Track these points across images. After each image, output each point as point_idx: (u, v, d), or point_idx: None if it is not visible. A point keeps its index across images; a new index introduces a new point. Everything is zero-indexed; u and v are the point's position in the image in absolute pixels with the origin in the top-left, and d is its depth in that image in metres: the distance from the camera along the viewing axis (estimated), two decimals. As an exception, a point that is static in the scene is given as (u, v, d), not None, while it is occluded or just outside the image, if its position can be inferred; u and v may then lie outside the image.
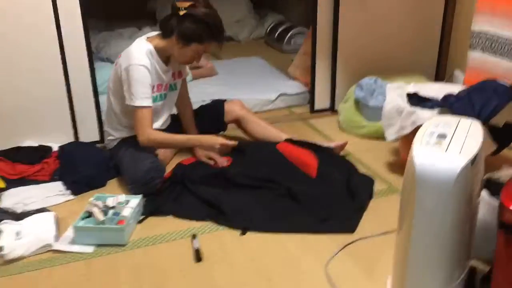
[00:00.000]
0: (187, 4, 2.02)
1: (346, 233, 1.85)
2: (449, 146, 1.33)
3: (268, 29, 4.66)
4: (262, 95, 3.06)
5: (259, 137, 2.46)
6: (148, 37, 2.16)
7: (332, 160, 2.30)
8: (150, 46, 2.10)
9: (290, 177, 2.13)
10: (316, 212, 1.94)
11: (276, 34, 4.46)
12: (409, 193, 1.36)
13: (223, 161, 2.26)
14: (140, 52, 2.07)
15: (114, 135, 2.26)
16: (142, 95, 2.05)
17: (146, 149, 2.14)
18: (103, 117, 2.44)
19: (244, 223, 1.89)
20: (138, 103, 2.05)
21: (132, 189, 2.08)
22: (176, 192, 2.08)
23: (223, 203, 1.97)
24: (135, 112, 2.07)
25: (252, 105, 2.99)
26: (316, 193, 2.03)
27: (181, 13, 2.02)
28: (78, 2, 2.35)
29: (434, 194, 1.29)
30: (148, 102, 2.07)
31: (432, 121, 1.49)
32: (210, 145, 2.17)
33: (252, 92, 3.10)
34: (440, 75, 3.10)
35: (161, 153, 2.22)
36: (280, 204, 2.00)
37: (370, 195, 2.09)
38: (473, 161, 1.29)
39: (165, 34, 2.11)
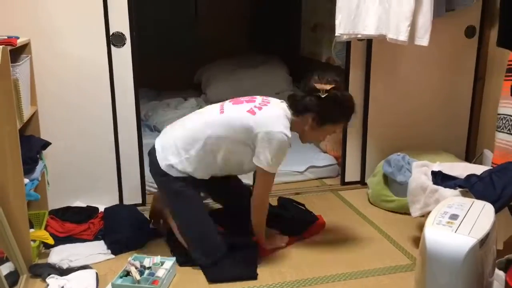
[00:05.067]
0: (329, 86, 2.12)
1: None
2: (459, 226, 1.42)
3: (306, 102, 4.88)
4: (291, 167, 3.20)
5: None
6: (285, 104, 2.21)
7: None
8: (289, 123, 2.13)
9: None
10: None
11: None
12: (422, 269, 1.44)
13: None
14: (287, 124, 2.12)
15: (178, 167, 2.15)
16: (278, 163, 2.11)
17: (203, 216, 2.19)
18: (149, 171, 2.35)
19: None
20: (273, 170, 2.10)
21: (200, 260, 2.13)
22: None
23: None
24: (265, 175, 2.11)
25: (282, 175, 3.14)
26: None
27: (323, 95, 2.11)
28: (131, 74, 2.61)
29: (444, 272, 1.37)
30: (277, 170, 2.14)
31: (446, 202, 1.59)
32: (277, 244, 2.31)
33: (283, 163, 3.23)
34: (470, 154, 3.18)
35: None
36: None
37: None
38: (482, 242, 1.38)
39: (297, 112, 2.17)
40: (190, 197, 2.18)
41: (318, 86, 2.12)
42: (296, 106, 2.17)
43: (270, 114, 2.12)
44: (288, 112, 2.16)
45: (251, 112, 2.12)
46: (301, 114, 2.16)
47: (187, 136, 2.16)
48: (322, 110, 2.13)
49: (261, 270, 2.14)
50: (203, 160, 2.14)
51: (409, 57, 2.99)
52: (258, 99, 2.23)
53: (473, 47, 3.06)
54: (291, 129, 2.14)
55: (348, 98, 2.21)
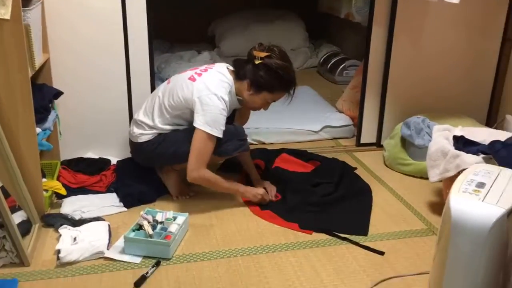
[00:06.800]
0: (263, 54, 2.12)
1: (360, 235, 2.10)
2: (486, 195, 1.36)
3: (322, 59, 4.76)
4: (306, 126, 3.14)
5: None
6: (228, 69, 2.23)
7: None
8: (233, 87, 2.18)
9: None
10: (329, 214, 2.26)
11: (329, 65, 4.56)
12: (445, 237, 1.40)
13: (272, 196, 2.37)
14: (225, 88, 2.15)
15: (160, 127, 2.24)
16: (217, 125, 2.08)
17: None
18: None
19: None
20: (212, 131, 2.08)
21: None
22: None
23: None
24: (201, 138, 2.08)
25: (297, 135, 3.09)
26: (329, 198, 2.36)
27: (257, 62, 2.12)
28: (146, 25, 2.52)
29: (469, 241, 1.33)
30: (221, 134, 2.11)
31: (472, 169, 1.53)
32: (249, 197, 2.28)
33: (297, 122, 3.17)
34: (491, 119, 3.08)
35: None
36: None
37: (371, 198, 2.42)
38: (511, 212, 1.32)
39: (238, 76, 2.20)
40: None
41: (255, 53, 2.14)
42: (238, 71, 2.21)
43: (208, 79, 2.15)
44: (229, 78, 2.19)
45: (192, 79, 2.18)
46: (241, 79, 2.19)
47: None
48: (256, 77, 2.14)
49: (276, 231, 2.13)
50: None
51: (436, 15, 2.84)
52: (202, 66, 2.28)
53: (503, 5, 2.90)
54: (237, 94, 2.20)
55: (281, 66, 2.14)
